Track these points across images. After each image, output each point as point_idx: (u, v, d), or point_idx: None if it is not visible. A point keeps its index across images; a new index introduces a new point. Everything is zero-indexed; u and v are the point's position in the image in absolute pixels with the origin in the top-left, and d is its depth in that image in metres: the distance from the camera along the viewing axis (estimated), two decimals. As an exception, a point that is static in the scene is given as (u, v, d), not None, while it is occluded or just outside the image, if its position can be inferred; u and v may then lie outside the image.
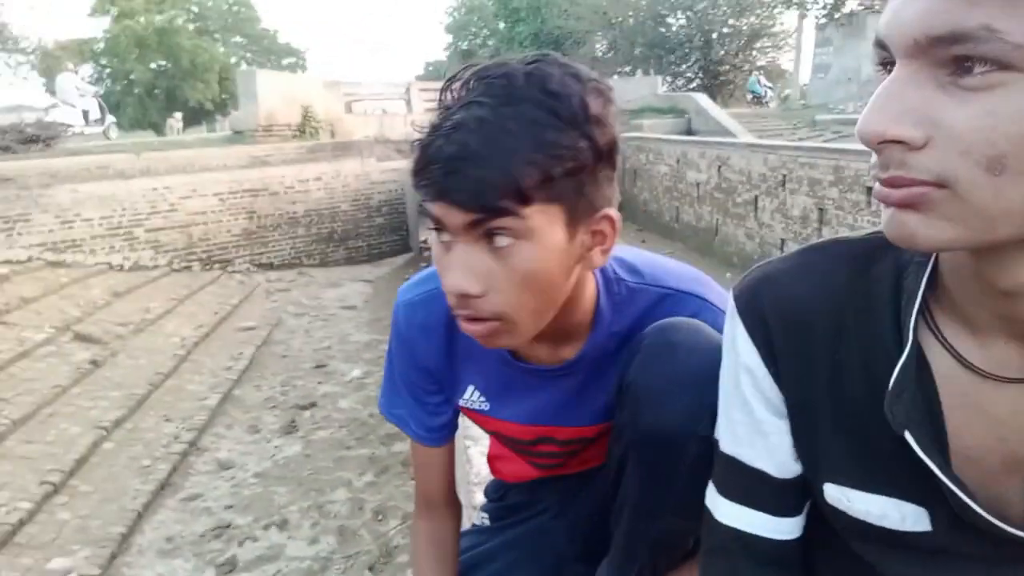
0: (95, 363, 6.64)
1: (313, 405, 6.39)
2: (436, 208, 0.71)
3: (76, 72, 15.51)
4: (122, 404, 5.85)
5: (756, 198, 10.33)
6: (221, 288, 10.35)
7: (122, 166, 10.63)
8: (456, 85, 0.74)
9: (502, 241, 0.71)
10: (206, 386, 6.63)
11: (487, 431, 1.08)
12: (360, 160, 13.39)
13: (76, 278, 9.00)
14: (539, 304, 0.77)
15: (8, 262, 8.52)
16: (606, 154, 0.74)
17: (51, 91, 15.79)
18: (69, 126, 13.46)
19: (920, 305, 0.56)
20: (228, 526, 4.44)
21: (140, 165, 10.84)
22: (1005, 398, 0.54)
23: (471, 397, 1.00)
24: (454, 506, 1.12)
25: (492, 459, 1.26)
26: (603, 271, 0.89)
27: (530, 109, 0.69)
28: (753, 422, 0.67)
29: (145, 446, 5.31)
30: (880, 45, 0.49)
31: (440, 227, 0.74)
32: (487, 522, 1.24)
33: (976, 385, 0.55)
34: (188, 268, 10.93)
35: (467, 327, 0.78)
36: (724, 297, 0.92)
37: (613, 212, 0.78)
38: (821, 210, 8.71)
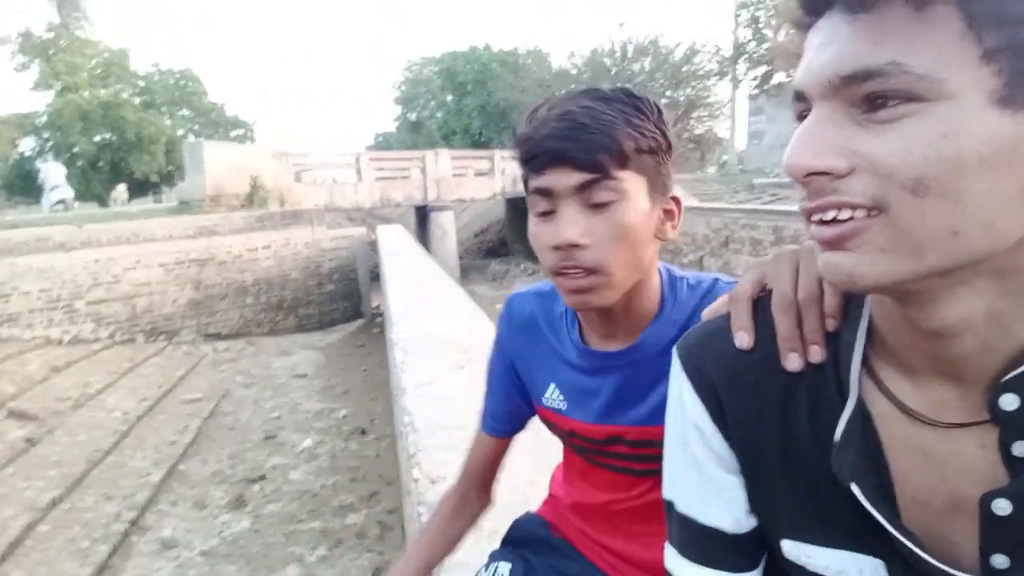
0: (30, 441, 6.33)
1: (262, 478, 6.18)
2: (548, 177, 0.88)
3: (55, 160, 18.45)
4: (59, 483, 5.57)
5: (701, 258, 10.66)
6: (166, 360, 10.05)
7: (62, 238, 10.41)
8: (554, 105, 0.91)
9: (604, 197, 0.87)
10: (149, 461, 6.37)
11: (564, 432, 1.12)
12: (310, 228, 13.37)
13: (11, 354, 8.65)
14: (628, 260, 0.90)
15: (-62, 339, 8.16)
16: (671, 148, 0.92)
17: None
18: (63, 201, 15.80)
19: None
20: (172, 609, 4.23)
21: (82, 237, 10.62)
22: (945, 439, 0.55)
23: (552, 395, 1.09)
24: (484, 492, 1.26)
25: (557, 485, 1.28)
26: (668, 269, 1.03)
27: (619, 104, 0.89)
28: (705, 480, 0.66)
29: (83, 527, 5.04)
30: (798, 97, 0.54)
31: (546, 199, 0.89)
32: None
33: (916, 429, 0.56)
34: (131, 340, 10.61)
35: (568, 283, 0.90)
36: None
37: (678, 194, 0.96)
38: (763, 269, 9.03)
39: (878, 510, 0.54)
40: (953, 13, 0.45)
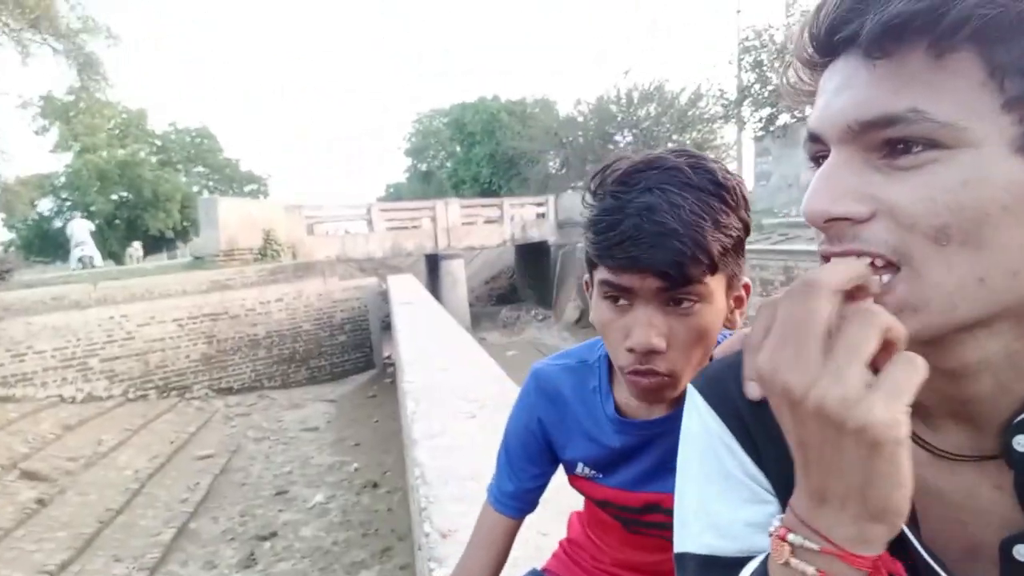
0: (41, 502, 6.29)
1: (274, 535, 6.09)
2: (628, 278, 0.83)
3: (84, 217, 18.02)
4: (69, 545, 5.51)
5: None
6: (178, 416, 10.04)
7: (78, 296, 10.51)
8: (615, 175, 0.87)
9: (685, 303, 0.84)
10: (160, 520, 6.30)
11: (598, 501, 1.08)
12: (322, 279, 13.46)
13: (25, 412, 8.67)
14: (701, 360, 0.87)
15: (-47, 400, 8.19)
16: (748, 232, 0.89)
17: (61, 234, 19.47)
18: (91, 258, 15.79)
19: None
20: (180, 674, 4.12)
21: (97, 295, 10.73)
22: (961, 481, 0.54)
23: (582, 471, 1.06)
24: None
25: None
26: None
27: (708, 197, 0.83)
28: (738, 488, 0.60)
29: (92, 590, 4.97)
30: (813, 138, 0.52)
31: (621, 294, 0.85)
32: None
33: (933, 469, 0.55)
34: (144, 397, 10.63)
35: (640, 381, 0.87)
36: None
37: (747, 280, 0.92)
38: (775, 309, 8.98)
39: (915, 539, 0.52)
40: (974, 61, 0.44)
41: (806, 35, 0.53)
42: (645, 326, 0.83)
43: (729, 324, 0.90)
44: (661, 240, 0.79)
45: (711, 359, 0.93)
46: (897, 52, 0.46)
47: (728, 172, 0.88)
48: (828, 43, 0.51)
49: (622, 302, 0.86)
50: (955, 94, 0.44)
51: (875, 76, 0.47)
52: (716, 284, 0.84)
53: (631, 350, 0.84)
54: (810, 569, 0.45)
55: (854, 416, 0.41)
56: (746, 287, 0.91)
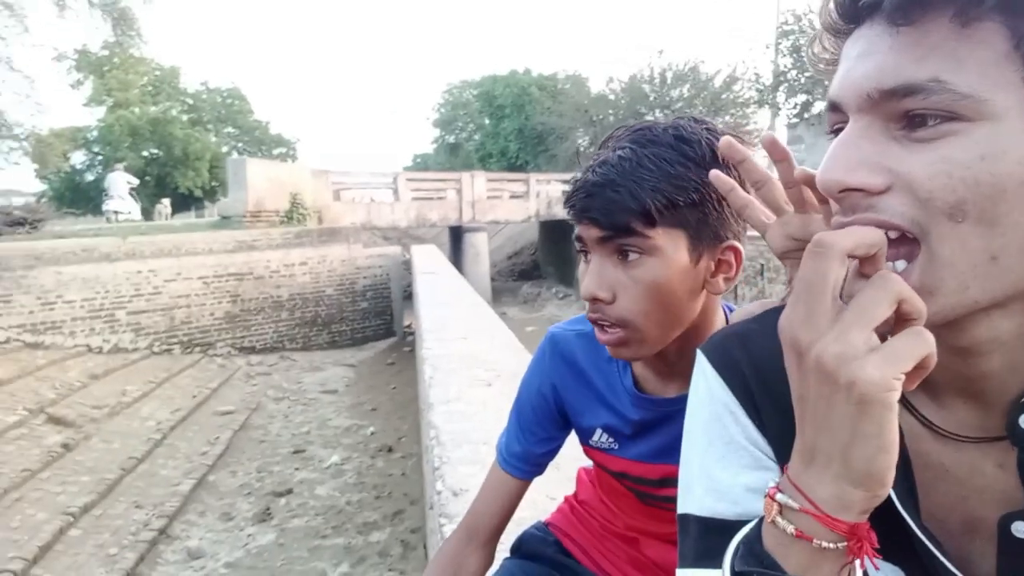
0: (67, 446, 6.47)
1: (289, 492, 6.22)
2: (579, 227, 0.87)
3: (123, 169, 17.52)
4: (92, 489, 5.67)
5: (736, 287, 10.52)
6: (201, 371, 10.23)
7: (107, 249, 10.69)
8: (611, 141, 0.90)
9: (631, 255, 0.84)
10: (180, 471, 6.46)
11: (614, 472, 1.06)
12: (347, 246, 13.55)
13: (54, 360, 8.89)
14: (661, 316, 0.86)
15: (-15, 343, 8.41)
16: None
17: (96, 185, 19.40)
18: (117, 212, 15.75)
19: None
20: (195, 619, 4.25)
21: (126, 248, 10.90)
22: (965, 458, 0.54)
23: (599, 439, 1.04)
24: (487, 548, 1.13)
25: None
26: (732, 309, 0.97)
27: (663, 150, 0.84)
28: (738, 454, 0.60)
29: (113, 533, 5.12)
30: (832, 107, 0.51)
31: (584, 247, 0.88)
32: None
33: (938, 445, 0.55)
34: (168, 351, 10.83)
35: (598, 335, 0.89)
36: None
37: (737, 244, 0.88)
38: (799, 298, 8.88)
39: (909, 515, 0.53)
40: (1000, 31, 0.44)
41: (832, 0, 0.52)
42: (591, 275, 0.86)
43: (711, 288, 0.88)
44: (598, 190, 0.83)
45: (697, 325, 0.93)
46: (921, 20, 0.45)
47: (709, 129, 0.86)
48: (852, 8, 0.50)
49: (589, 257, 0.89)
50: (978, 65, 0.43)
51: (898, 44, 0.46)
52: (666, 239, 0.83)
53: (584, 299, 0.88)
54: (790, 528, 0.46)
55: (846, 372, 0.41)
56: (735, 252, 0.88)
